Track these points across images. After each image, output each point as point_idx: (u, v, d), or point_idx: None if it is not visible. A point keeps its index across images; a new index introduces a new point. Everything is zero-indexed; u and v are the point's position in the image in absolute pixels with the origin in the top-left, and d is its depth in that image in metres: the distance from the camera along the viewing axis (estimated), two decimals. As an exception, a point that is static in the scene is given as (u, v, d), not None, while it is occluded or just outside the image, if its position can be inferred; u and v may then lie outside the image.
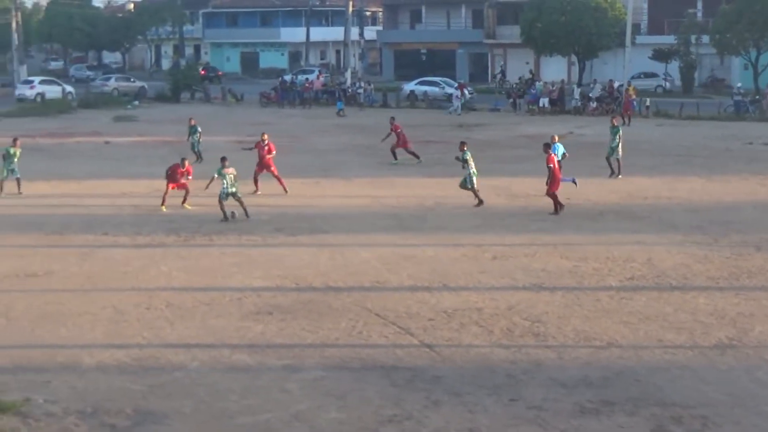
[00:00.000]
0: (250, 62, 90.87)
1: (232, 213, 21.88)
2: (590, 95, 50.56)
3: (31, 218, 22.59)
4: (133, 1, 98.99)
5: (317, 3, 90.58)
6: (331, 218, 22.25)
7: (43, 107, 53.48)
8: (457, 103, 51.02)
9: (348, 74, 63.76)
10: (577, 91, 51.73)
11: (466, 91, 52.66)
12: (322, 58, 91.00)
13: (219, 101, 58.77)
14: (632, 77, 55.03)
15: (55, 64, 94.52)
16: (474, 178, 23.30)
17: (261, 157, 25.67)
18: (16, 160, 25.81)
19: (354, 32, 75.05)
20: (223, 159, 22.43)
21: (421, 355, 12.95)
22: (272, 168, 25.59)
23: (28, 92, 57.91)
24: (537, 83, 55.12)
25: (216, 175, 22.20)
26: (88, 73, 78.04)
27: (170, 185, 23.25)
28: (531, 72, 65.08)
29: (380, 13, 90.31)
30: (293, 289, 16.15)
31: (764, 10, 53.38)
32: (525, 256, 18.36)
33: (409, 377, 12.07)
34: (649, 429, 10.56)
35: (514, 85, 56.56)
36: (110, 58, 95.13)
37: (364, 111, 52.42)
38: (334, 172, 29.81)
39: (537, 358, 12.74)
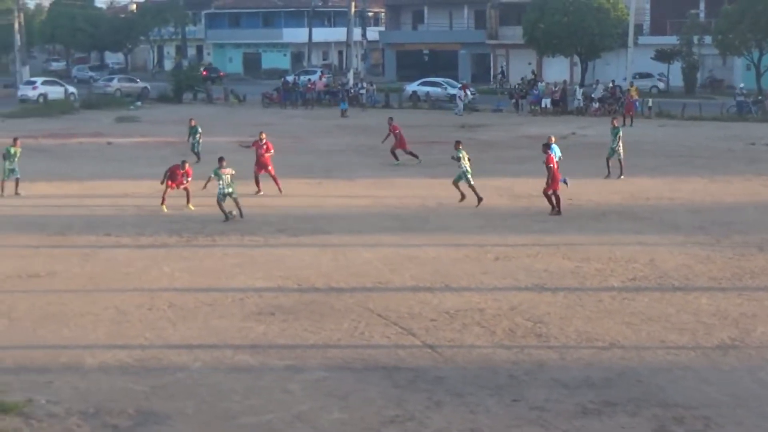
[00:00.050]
0: (252, 63, 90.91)
1: (231, 213, 21.91)
2: (593, 96, 50.53)
3: (33, 219, 22.61)
4: (135, 2, 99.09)
5: (320, 4, 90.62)
6: (333, 219, 22.25)
7: (45, 108, 53.44)
8: (460, 104, 51.02)
9: (350, 75, 63.79)
10: (579, 92, 51.68)
11: (468, 92, 52.65)
12: (324, 59, 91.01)
13: (221, 102, 58.82)
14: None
15: (57, 65, 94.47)
16: (468, 176, 23.34)
17: (259, 156, 25.69)
18: (16, 160, 25.82)
19: (356, 33, 75.14)
20: (221, 159, 22.47)
21: (424, 355, 12.94)
22: (269, 167, 25.60)
23: (31, 93, 57.87)
24: (539, 84, 55.07)
25: (212, 175, 22.25)
26: (91, 73, 78.18)
27: (169, 184, 23.27)
28: (533, 73, 65.06)
29: (383, 14, 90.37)
30: (295, 290, 16.15)
31: (767, 10, 53.30)
32: (527, 256, 18.36)
33: (411, 378, 12.07)
34: (651, 430, 10.55)
35: (516, 86, 56.52)
36: (113, 58, 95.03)
37: (366, 112, 52.39)
38: (337, 172, 29.81)
39: (539, 359, 12.73)
